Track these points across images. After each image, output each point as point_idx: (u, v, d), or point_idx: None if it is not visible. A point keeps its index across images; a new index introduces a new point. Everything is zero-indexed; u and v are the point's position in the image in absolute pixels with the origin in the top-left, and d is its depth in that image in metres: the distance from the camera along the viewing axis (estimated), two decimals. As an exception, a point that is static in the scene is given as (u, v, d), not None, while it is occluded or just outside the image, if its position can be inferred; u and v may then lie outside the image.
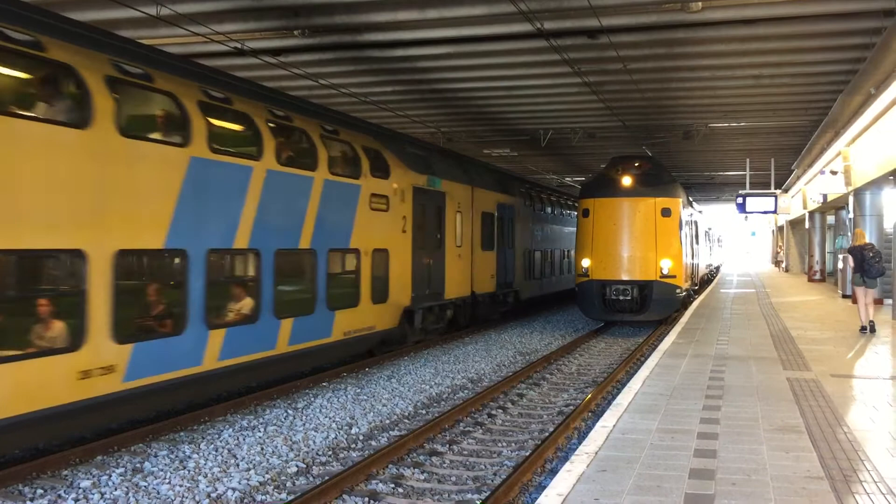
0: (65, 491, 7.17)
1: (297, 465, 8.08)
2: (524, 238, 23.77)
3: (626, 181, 19.80)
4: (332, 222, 12.20)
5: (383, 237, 13.98)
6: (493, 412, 10.68)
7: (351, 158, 13.12)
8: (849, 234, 20.35)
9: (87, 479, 7.48)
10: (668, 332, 15.80)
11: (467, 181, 18.81)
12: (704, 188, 44.33)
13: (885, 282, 21.69)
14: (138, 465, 7.94)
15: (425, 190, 15.93)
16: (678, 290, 19.86)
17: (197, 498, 7.07)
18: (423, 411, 10.85)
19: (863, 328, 14.84)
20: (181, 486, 7.37)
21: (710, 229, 43.10)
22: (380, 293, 13.81)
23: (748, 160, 27.67)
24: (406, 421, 10.27)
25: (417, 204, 15.44)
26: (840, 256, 24.37)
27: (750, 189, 27.07)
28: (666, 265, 19.44)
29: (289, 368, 11.63)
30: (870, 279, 14.66)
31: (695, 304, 23.01)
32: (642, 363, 11.85)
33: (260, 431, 9.37)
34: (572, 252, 30.37)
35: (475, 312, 19.86)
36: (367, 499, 7.10)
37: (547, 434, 9.21)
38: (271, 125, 10.91)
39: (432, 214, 16.47)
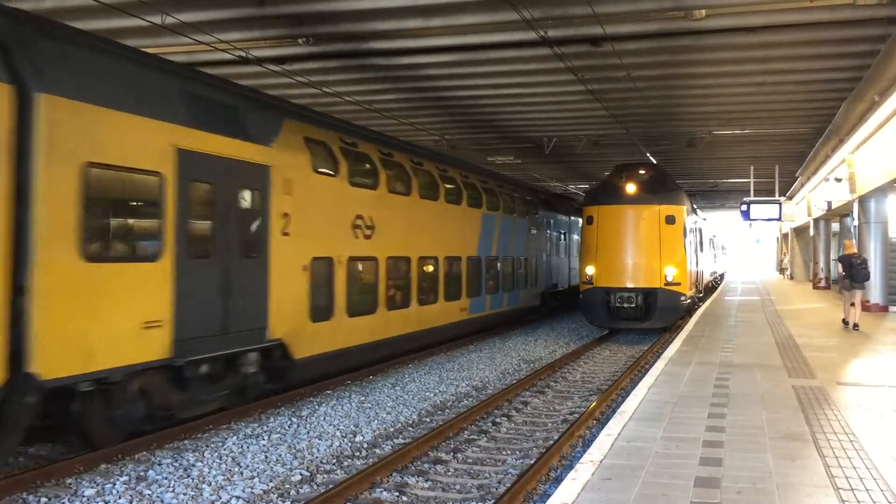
0: (69, 499, 7.17)
1: (301, 474, 8.07)
2: (316, 235, 11.87)
3: (631, 188, 19.79)
4: None
5: None
6: (498, 420, 10.65)
7: None
8: (854, 241, 20.67)
9: (92, 487, 7.48)
10: (673, 340, 15.76)
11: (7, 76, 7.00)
12: (709, 195, 44.30)
13: (893, 291, 21.95)
14: (142, 474, 7.93)
15: None
16: (683, 298, 19.83)
17: (201, 506, 7.06)
18: (428, 419, 10.83)
19: (844, 322, 17.22)
20: (185, 494, 7.37)
21: (714, 237, 43.05)
22: None
23: (752, 167, 27.68)
24: (410, 429, 10.25)
25: None
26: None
27: (754, 196, 27.06)
28: (670, 272, 19.42)
29: None
30: (857, 283, 16.92)
31: (699, 311, 22.95)
32: (647, 371, 11.82)
33: (264, 439, 9.37)
34: (498, 260, 20.61)
35: (85, 420, 8.19)
36: (371, 507, 7.09)
37: (552, 442, 9.19)
38: None
39: None
